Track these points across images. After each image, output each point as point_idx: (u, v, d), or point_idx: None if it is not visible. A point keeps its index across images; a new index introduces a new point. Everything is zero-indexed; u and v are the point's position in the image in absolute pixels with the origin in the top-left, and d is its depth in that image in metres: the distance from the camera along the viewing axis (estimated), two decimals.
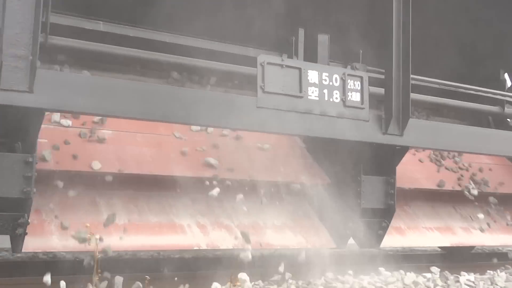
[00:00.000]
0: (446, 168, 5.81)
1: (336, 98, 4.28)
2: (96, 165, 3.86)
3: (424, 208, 5.54)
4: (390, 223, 4.72)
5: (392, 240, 5.00)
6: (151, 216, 4.03)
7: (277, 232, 4.42)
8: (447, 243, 5.52)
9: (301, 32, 5.12)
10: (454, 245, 5.69)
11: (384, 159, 4.66)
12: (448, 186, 5.59)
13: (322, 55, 4.90)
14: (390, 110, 4.50)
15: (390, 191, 4.68)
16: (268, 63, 4.01)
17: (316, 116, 4.18)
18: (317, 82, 4.20)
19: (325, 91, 4.23)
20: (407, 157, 4.86)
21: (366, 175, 4.59)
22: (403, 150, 4.66)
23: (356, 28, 4.74)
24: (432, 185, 5.52)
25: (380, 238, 4.74)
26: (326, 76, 4.26)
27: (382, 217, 4.72)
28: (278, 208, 4.55)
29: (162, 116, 3.64)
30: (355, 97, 4.37)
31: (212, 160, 4.34)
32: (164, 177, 4.16)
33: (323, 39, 4.92)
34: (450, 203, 5.75)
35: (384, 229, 4.72)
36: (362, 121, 4.39)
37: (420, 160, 5.75)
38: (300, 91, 4.12)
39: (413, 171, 5.51)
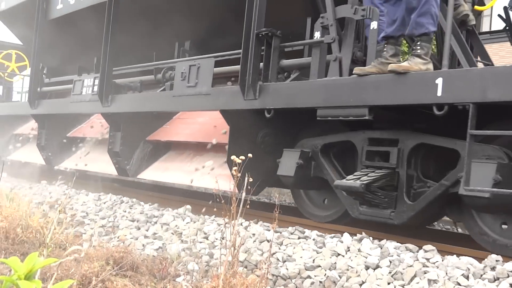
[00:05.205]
0: None
1: (89, 91, 7.28)
2: None
3: None
4: None
5: None
6: None
7: None
8: None
9: None
10: None
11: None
12: None
13: None
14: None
15: None
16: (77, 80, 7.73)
17: (77, 103, 7.40)
18: (90, 85, 7.41)
19: (86, 88, 7.35)
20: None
21: None
22: None
23: None
24: None
25: None
26: (91, 80, 7.37)
27: None
28: None
29: None
30: (95, 90, 7.15)
31: None
32: None
33: None
34: None
35: None
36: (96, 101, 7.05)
37: None
38: (80, 92, 7.50)
39: None
